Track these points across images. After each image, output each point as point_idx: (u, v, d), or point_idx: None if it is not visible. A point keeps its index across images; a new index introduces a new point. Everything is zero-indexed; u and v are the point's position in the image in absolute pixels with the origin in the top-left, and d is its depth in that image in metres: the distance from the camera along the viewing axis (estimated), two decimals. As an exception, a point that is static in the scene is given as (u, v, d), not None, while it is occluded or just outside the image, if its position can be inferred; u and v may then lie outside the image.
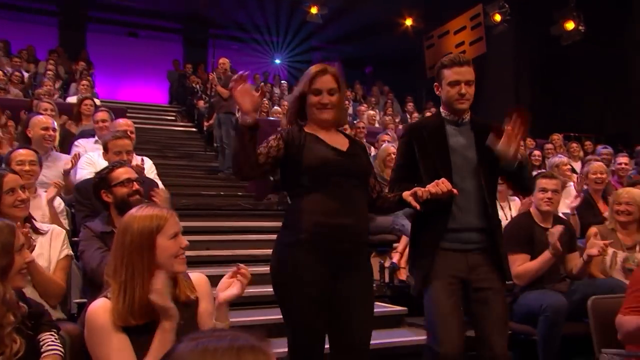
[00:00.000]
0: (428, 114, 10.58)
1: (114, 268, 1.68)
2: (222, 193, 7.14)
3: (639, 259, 3.29)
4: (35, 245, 2.33)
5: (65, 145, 4.76)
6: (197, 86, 11.04)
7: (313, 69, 2.19)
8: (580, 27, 9.18)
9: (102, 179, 2.55)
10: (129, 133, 3.76)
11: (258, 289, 4.26)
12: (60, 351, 1.77)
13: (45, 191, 3.23)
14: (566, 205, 4.37)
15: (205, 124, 9.30)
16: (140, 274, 1.64)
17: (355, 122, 7.66)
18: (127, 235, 1.67)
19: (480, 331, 2.33)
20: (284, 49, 15.24)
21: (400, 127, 9.62)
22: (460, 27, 12.74)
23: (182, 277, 1.78)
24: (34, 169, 3.17)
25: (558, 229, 3.11)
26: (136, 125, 4.31)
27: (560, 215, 3.89)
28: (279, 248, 2.16)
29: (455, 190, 2.16)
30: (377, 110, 10.16)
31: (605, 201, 4.35)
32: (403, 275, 4.11)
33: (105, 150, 3.28)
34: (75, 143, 4.50)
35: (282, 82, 12.29)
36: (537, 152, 6.64)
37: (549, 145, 7.31)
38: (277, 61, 15.68)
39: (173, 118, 11.50)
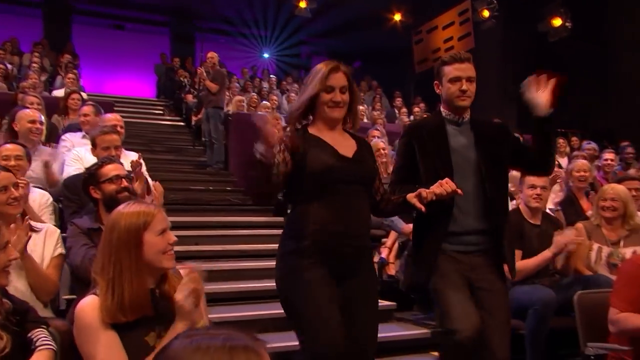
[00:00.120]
0: (416, 109, 10.63)
1: (101, 265, 1.68)
2: (210, 188, 7.12)
3: (623, 254, 3.33)
4: (30, 237, 2.33)
5: (52, 139, 4.72)
6: (185, 80, 10.97)
7: (325, 66, 2.12)
8: (567, 24, 9.26)
9: (91, 175, 2.53)
10: (118, 128, 3.73)
11: (249, 284, 4.27)
12: (53, 346, 1.76)
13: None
14: (551, 200, 4.42)
15: (194, 118, 9.25)
16: (128, 270, 1.64)
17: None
18: (114, 232, 1.68)
19: (482, 334, 2.26)
20: (273, 43, 15.18)
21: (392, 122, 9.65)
22: (449, 23, 12.76)
23: (171, 273, 1.78)
24: (20, 163, 3.14)
25: (569, 234, 3.16)
26: (123, 119, 4.28)
27: (548, 211, 3.93)
28: (282, 257, 2.11)
29: (459, 191, 2.12)
30: (365, 105, 10.16)
31: (588, 199, 4.41)
32: (392, 270, 4.13)
33: (94, 145, 3.25)
34: (63, 137, 4.47)
35: (271, 76, 12.24)
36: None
37: (536, 141, 7.36)
38: (266, 55, 15.63)
39: (161, 112, 11.43)
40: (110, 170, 2.53)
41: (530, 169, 2.70)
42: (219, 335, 0.84)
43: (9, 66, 8.92)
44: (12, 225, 2.31)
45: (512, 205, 4.42)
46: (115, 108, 7.61)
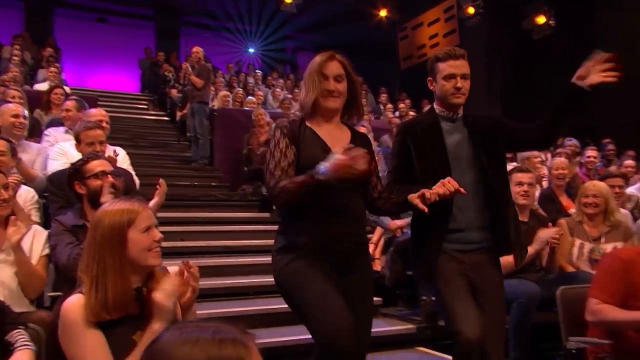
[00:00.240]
0: (401, 105, 10.67)
1: (86, 263, 1.67)
2: (195, 183, 7.10)
3: (604, 249, 3.38)
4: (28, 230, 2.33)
5: (35, 134, 4.65)
6: (170, 75, 10.89)
7: (319, 56, 2.09)
8: (551, 22, 9.36)
9: (75, 171, 2.51)
10: (104, 124, 3.68)
11: (235, 280, 4.27)
12: (32, 346, 1.75)
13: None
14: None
15: (179, 113, 9.19)
16: (112, 268, 1.63)
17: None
18: (98, 230, 1.67)
19: None
20: (258, 38, 15.12)
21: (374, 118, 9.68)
22: (434, 19, 12.83)
23: (159, 270, 1.77)
24: (4, 159, 3.10)
25: (550, 230, 3.19)
26: (107, 114, 4.23)
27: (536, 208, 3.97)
28: (278, 253, 2.08)
29: (462, 190, 2.06)
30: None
31: (568, 195, 4.48)
32: (378, 266, 4.15)
33: (78, 141, 3.21)
34: (46, 132, 4.41)
35: (257, 71, 12.19)
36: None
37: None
38: (251, 50, 15.55)
39: (145, 107, 11.33)
40: (95, 166, 2.51)
41: (531, 144, 2.65)
42: (208, 328, 0.86)
43: (-12, 59, 8.78)
44: (12, 217, 2.32)
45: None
46: (99, 102, 7.53)
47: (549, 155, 6.64)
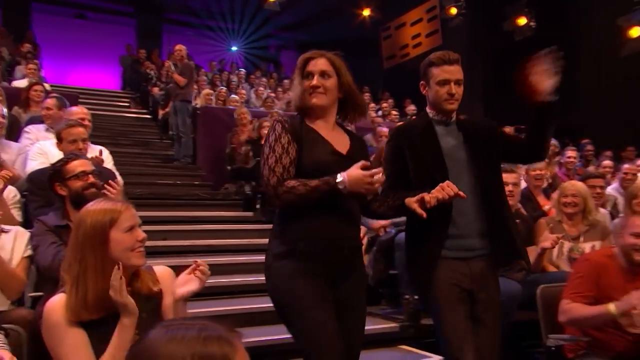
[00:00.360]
0: (384, 104, 10.72)
1: (68, 262, 1.66)
2: (178, 182, 7.06)
3: (583, 248, 3.45)
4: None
5: (14, 132, 4.58)
6: (152, 72, 10.79)
7: (305, 54, 2.05)
8: (532, 24, 9.48)
9: (56, 172, 2.47)
10: (86, 121, 3.64)
11: (218, 279, 4.26)
12: (9, 348, 1.73)
13: None
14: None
15: (161, 112, 9.13)
16: (93, 268, 1.62)
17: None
18: (80, 230, 1.66)
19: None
20: (241, 36, 15.06)
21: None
22: (417, 19, 12.92)
23: (144, 270, 1.77)
24: None
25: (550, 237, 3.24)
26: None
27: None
28: (273, 260, 1.98)
29: (462, 194, 2.01)
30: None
31: (545, 195, 4.55)
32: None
33: (59, 139, 3.17)
34: (26, 129, 4.34)
35: (240, 70, 12.14)
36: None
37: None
38: (234, 48, 15.49)
39: (126, 104, 11.22)
40: (76, 166, 2.47)
41: (524, 159, 2.64)
42: (194, 326, 0.87)
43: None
44: None
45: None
46: (80, 100, 7.44)
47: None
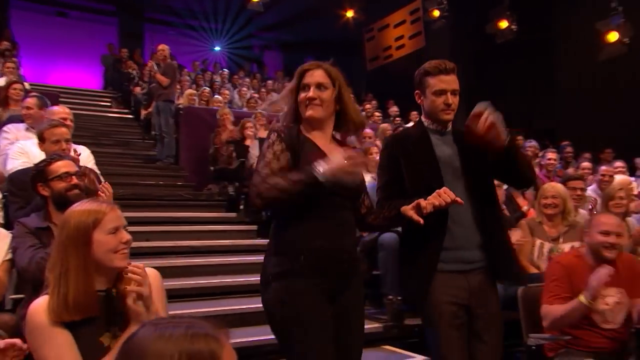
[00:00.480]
0: (367, 106, 10.76)
1: (52, 263, 1.65)
2: (161, 183, 7.01)
3: (562, 249, 3.50)
4: None
5: (-7, 131, 4.50)
6: (134, 72, 10.70)
7: (303, 66, 2.01)
8: (513, 27, 9.60)
9: (39, 172, 2.44)
10: (68, 121, 3.60)
11: (201, 280, 4.24)
12: None
13: None
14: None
15: (143, 111, 9.06)
16: (75, 269, 1.61)
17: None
18: (64, 230, 1.66)
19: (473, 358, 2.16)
20: (223, 36, 14.99)
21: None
22: (400, 21, 13.01)
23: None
24: None
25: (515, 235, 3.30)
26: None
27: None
28: (271, 280, 1.91)
29: (459, 199, 1.96)
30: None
31: (524, 196, 4.63)
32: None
33: (42, 140, 3.12)
34: (5, 129, 4.27)
35: (223, 70, 12.08)
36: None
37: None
38: (217, 48, 15.41)
39: (108, 104, 11.10)
40: (59, 167, 2.45)
41: (515, 186, 2.63)
42: (181, 324, 0.89)
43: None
44: None
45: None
46: (60, 99, 7.35)
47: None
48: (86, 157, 3.66)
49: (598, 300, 2.46)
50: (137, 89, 9.93)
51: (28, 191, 2.64)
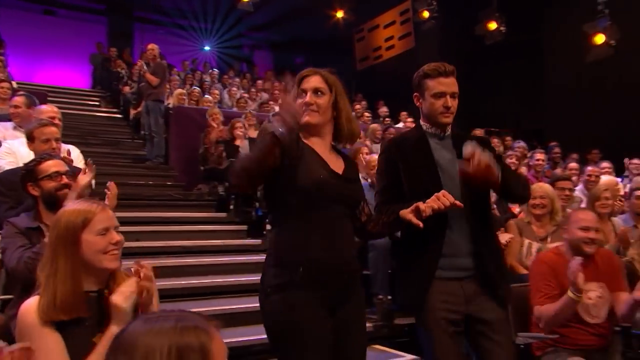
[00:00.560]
0: (357, 106, 10.77)
1: (43, 262, 1.65)
2: (150, 183, 6.98)
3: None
4: None
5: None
6: (123, 71, 10.64)
7: (301, 72, 2.00)
8: (502, 29, 9.67)
9: (29, 171, 2.43)
10: (56, 120, 3.57)
11: (192, 280, 4.24)
12: None
13: None
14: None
15: (133, 111, 9.02)
16: (63, 269, 1.61)
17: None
18: (54, 230, 1.66)
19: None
20: (213, 36, 14.95)
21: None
22: (390, 22, 13.06)
23: (121, 272, 1.75)
24: None
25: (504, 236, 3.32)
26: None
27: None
28: (270, 292, 1.87)
29: (458, 203, 1.94)
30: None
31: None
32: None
33: (31, 139, 3.10)
34: (-8, 128, 4.24)
35: (213, 69, 12.05)
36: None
37: (471, 140, 7.68)
38: (207, 48, 15.37)
39: (97, 103, 11.03)
40: (49, 166, 2.44)
41: (512, 202, 2.61)
42: (171, 317, 0.91)
43: None
44: None
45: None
46: (48, 98, 7.29)
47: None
48: (76, 157, 3.64)
49: (582, 294, 2.49)
50: (127, 89, 9.89)
51: (18, 191, 2.63)
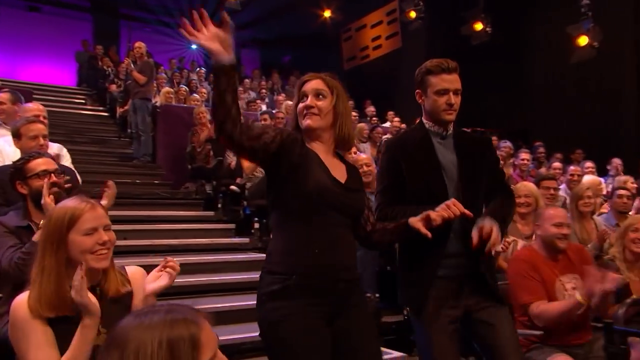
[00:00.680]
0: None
1: (35, 259, 1.66)
2: (137, 181, 6.96)
3: (535, 247, 3.60)
4: None
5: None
6: (109, 69, 10.56)
7: (303, 77, 1.97)
8: (488, 29, 9.76)
9: (17, 170, 2.42)
10: (42, 118, 3.54)
11: (179, 278, 4.21)
12: None
13: None
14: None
15: (119, 109, 8.96)
16: (49, 267, 1.62)
17: (274, 112, 7.70)
18: (45, 228, 1.67)
19: (494, 356, 2.13)
20: (201, 34, 14.86)
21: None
22: (377, 22, 13.11)
23: (114, 270, 1.76)
24: None
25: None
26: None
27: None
28: (266, 300, 1.83)
29: (468, 212, 1.93)
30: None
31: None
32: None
33: (17, 136, 3.05)
34: (-23, 126, 4.18)
35: (200, 68, 12.00)
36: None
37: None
38: (194, 46, 15.26)
39: (82, 101, 10.94)
40: (38, 164, 2.42)
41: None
42: (160, 311, 0.94)
43: None
44: None
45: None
46: (34, 96, 7.23)
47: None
48: (64, 155, 3.62)
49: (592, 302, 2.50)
50: (113, 87, 9.82)
51: (6, 189, 2.61)
